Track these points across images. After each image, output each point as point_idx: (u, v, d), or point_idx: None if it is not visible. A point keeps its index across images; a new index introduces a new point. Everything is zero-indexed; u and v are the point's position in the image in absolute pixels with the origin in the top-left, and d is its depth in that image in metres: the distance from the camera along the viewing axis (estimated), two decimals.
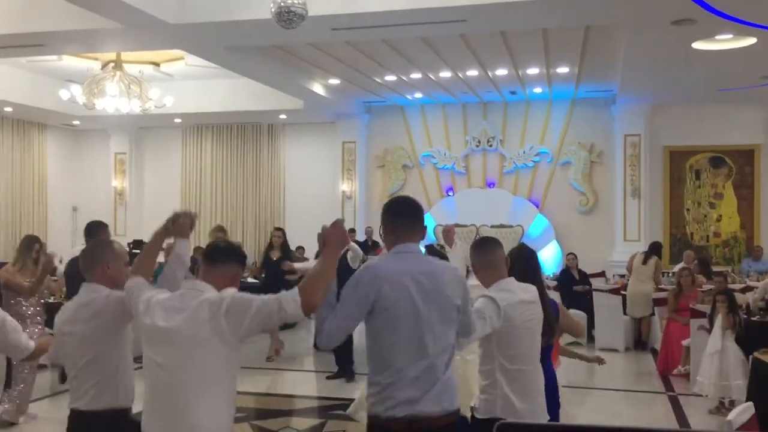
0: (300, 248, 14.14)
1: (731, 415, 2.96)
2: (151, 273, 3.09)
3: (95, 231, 5.43)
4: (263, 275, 9.73)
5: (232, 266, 2.84)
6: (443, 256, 4.85)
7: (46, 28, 8.87)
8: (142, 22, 8.31)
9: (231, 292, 2.68)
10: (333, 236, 2.76)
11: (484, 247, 3.48)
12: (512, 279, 3.43)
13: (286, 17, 5.55)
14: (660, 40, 8.97)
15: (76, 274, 5.42)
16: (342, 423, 6.35)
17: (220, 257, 2.83)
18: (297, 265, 9.01)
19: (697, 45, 9.26)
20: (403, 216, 3.00)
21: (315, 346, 9.97)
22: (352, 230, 14.23)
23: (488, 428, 2.68)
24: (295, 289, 2.62)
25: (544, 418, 3.37)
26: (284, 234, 9.70)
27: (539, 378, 3.43)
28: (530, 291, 3.47)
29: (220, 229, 9.58)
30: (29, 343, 3.49)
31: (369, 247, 13.87)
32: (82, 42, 9.59)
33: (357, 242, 13.79)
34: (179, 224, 3.13)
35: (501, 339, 3.26)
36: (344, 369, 8.09)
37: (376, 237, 14.10)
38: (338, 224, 2.82)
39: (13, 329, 3.42)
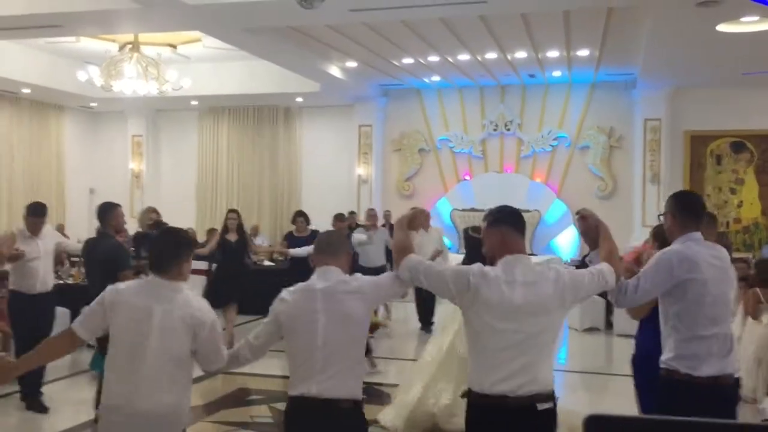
0: (254, 227, 14.19)
1: (766, 403, 2.89)
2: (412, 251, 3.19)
3: (106, 213, 5.43)
4: (221, 258, 8.98)
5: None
6: None
7: (63, 8, 8.84)
8: (159, 3, 8.27)
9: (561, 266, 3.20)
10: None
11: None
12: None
13: None
14: (684, 22, 8.81)
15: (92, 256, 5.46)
16: None
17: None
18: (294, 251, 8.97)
19: (722, 27, 9.08)
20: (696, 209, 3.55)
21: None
22: (353, 213, 14.13)
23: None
24: (609, 266, 3.13)
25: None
26: (239, 216, 9.16)
27: None
28: None
29: (153, 210, 9.11)
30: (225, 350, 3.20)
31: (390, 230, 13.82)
32: (99, 23, 9.56)
33: (359, 225, 13.82)
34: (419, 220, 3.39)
35: None
36: None
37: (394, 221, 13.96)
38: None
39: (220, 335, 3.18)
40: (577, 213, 3.44)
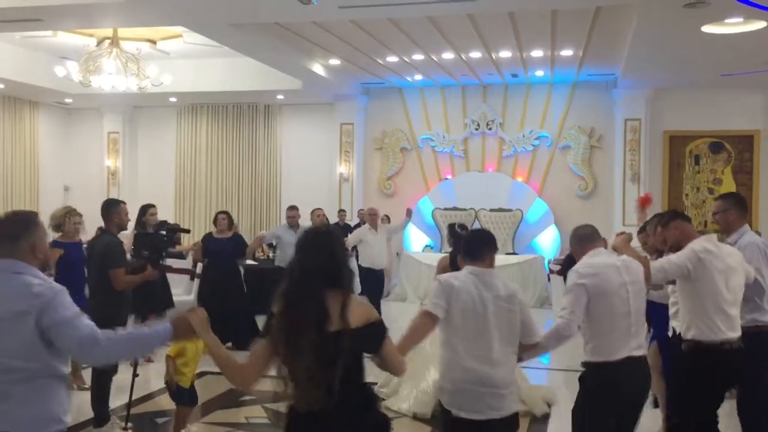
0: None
1: None
2: None
3: (108, 210, 5.34)
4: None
5: None
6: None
7: (45, 2, 8.61)
8: None
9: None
10: None
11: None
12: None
13: None
14: (670, 22, 8.88)
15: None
16: None
17: None
18: None
19: (707, 28, 9.18)
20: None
21: None
22: (342, 211, 14.09)
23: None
24: None
25: None
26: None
27: None
28: None
29: (75, 213, 8.10)
30: None
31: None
32: (81, 17, 9.34)
33: (347, 225, 13.71)
34: None
35: None
36: None
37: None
38: None
39: None
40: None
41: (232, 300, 8.30)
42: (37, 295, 2.55)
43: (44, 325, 2.53)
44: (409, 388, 6.09)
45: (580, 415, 3.73)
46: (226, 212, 8.88)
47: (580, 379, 3.79)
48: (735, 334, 4.04)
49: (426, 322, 3.43)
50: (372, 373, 2.91)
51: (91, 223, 7.74)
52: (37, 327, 2.53)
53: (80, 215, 6.58)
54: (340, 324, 2.60)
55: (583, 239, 3.87)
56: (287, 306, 2.63)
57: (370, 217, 10.04)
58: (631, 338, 3.67)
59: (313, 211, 9.06)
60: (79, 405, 6.00)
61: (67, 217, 6.41)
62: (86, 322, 2.62)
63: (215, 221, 8.68)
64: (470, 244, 3.63)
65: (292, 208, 9.45)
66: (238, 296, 8.62)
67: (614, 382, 3.63)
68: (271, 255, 11.66)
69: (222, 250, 8.40)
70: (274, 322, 2.63)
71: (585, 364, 3.76)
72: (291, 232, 8.99)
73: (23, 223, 2.71)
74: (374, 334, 2.72)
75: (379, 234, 9.85)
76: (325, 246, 2.72)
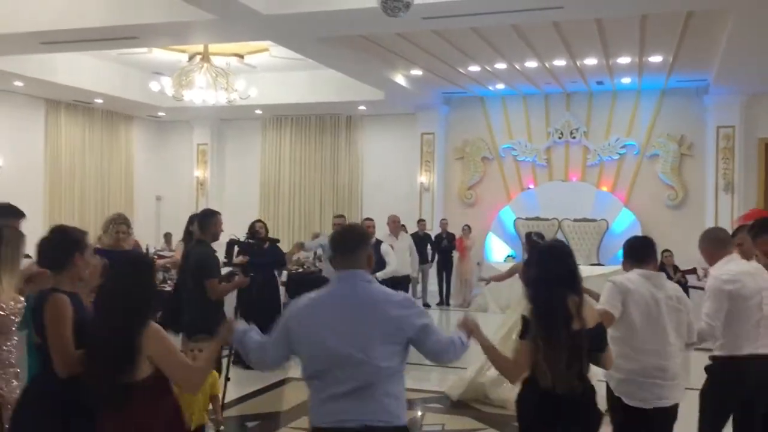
0: (315, 234, 13.64)
1: None
2: None
3: (205, 220, 5.51)
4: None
5: None
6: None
7: (141, 20, 9.07)
8: (236, 14, 8.39)
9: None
10: None
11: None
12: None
13: (392, 5, 5.46)
14: (767, 25, 8.53)
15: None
16: (440, 416, 6.26)
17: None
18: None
19: None
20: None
21: None
22: (422, 220, 14.09)
23: None
24: None
25: None
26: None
27: None
28: None
29: (123, 220, 6.29)
30: None
31: (443, 238, 13.80)
32: (174, 34, 9.76)
33: (427, 234, 13.66)
34: None
35: None
36: None
37: (452, 229, 13.97)
38: None
39: None
40: None
41: (270, 310, 7.81)
42: (405, 303, 2.82)
43: (415, 331, 2.79)
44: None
45: (703, 399, 4.07)
46: (262, 221, 8.42)
47: (706, 368, 4.09)
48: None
49: (605, 320, 3.58)
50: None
51: (180, 231, 7.99)
52: (408, 332, 2.78)
53: (128, 224, 5.91)
54: (579, 324, 3.09)
55: (718, 243, 4.08)
56: (540, 310, 3.12)
57: (392, 224, 9.80)
58: (760, 338, 3.95)
59: (362, 222, 8.51)
60: None
61: (111, 224, 5.82)
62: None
63: (254, 230, 7.77)
64: (635, 249, 3.84)
65: (339, 217, 9.27)
66: (276, 307, 7.96)
67: (737, 375, 3.95)
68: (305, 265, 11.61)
69: (260, 261, 7.46)
70: (532, 325, 3.11)
71: (712, 357, 4.06)
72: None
73: (360, 236, 2.94)
74: (602, 333, 3.22)
75: (400, 240, 9.68)
76: (563, 258, 3.22)
